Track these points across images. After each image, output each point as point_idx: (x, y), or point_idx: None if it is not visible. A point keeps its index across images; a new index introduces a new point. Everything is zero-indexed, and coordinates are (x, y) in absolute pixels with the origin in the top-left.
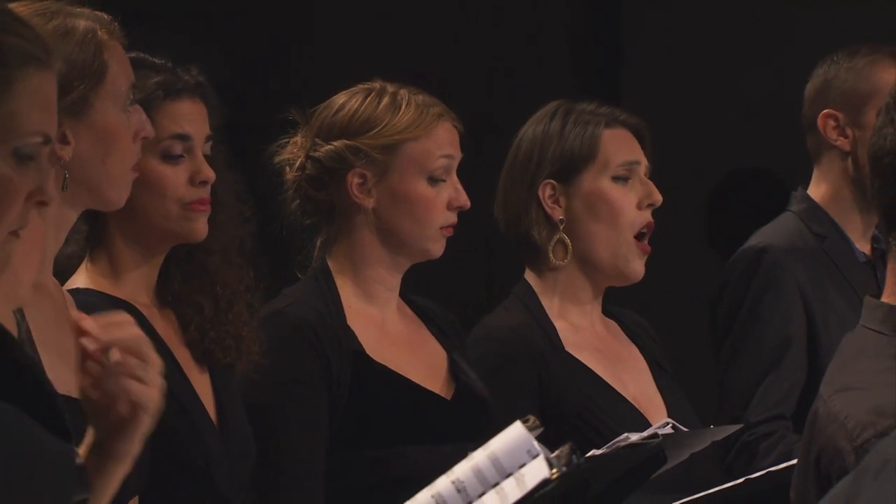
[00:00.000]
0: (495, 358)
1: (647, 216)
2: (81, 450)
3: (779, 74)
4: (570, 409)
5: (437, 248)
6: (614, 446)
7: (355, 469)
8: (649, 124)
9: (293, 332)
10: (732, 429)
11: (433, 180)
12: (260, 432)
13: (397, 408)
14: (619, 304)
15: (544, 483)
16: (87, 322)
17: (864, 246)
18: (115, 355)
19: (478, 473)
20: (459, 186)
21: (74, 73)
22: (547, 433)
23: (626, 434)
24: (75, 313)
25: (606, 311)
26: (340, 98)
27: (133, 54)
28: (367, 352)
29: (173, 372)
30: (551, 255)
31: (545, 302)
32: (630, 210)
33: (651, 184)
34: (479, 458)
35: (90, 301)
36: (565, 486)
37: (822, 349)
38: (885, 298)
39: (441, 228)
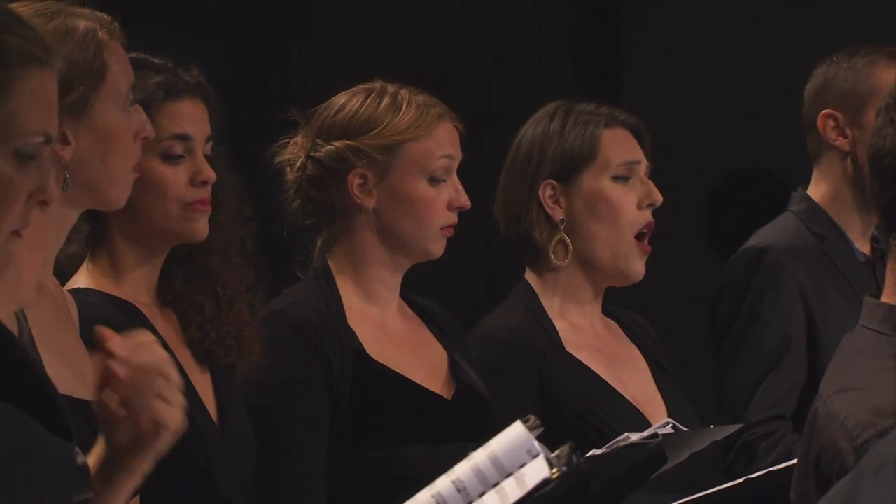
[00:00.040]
0: (495, 358)
1: (647, 216)
2: (90, 460)
3: (779, 74)
4: (570, 408)
5: (437, 249)
6: (614, 446)
7: (356, 469)
8: (649, 124)
9: (294, 332)
10: (732, 429)
11: (434, 180)
12: (261, 432)
13: (398, 408)
14: (619, 304)
15: (544, 483)
16: (115, 344)
17: (863, 246)
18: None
19: (478, 473)
20: (460, 186)
21: (75, 74)
22: (547, 433)
23: (626, 434)
24: (102, 331)
25: (606, 311)
26: (341, 98)
27: (133, 54)
28: (368, 352)
29: None
30: (552, 255)
31: (545, 302)
32: (630, 210)
33: (651, 183)
34: (479, 457)
35: (91, 301)
36: (565, 486)
37: (822, 349)
38: (884, 298)
39: (441, 228)
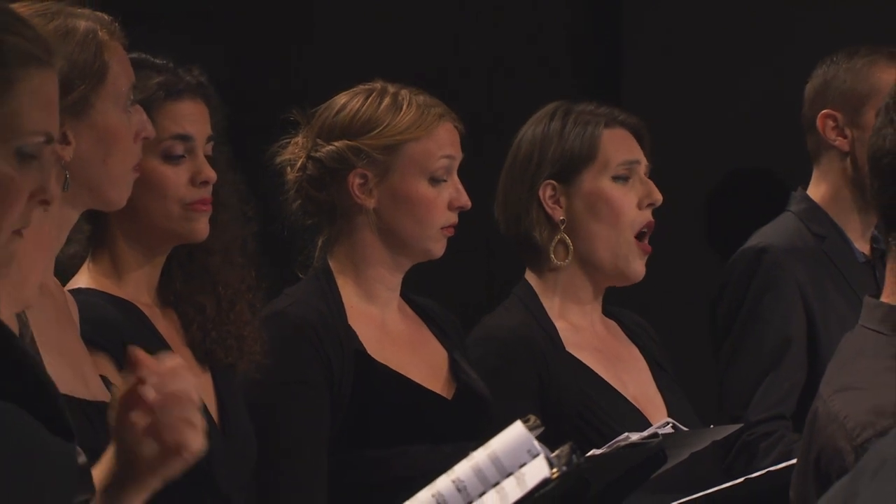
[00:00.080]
0: (496, 358)
1: (647, 216)
2: (98, 469)
3: (779, 74)
4: (570, 408)
5: (438, 248)
6: (614, 446)
7: (356, 468)
8: (649, 124)
9: (295, 332)
10: (732, 428)
11: (434, 180)
12: (261, 432)
13: (398, 407)
14: (619, 304)
15: (545, 482)
16: (147, 369)
17: (863, 246)
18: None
19: (478, 473)
20: (460, 187)
21: (75, 74)
22: (547, 433)
23: (626, 434)
24: (135, 353)
25: (606, 312)
26: (341, 98)
27: (134, 55)
28: (369, 352)
29: None
30: (552, 255)
31: (545, 302)
32: (630, 209)
33: (651, 183)
34: (479, 457)
35: (92, 301)
36: (565, 486)
37: (822, 349)
38: (884, 298)
39: (442, 228)
